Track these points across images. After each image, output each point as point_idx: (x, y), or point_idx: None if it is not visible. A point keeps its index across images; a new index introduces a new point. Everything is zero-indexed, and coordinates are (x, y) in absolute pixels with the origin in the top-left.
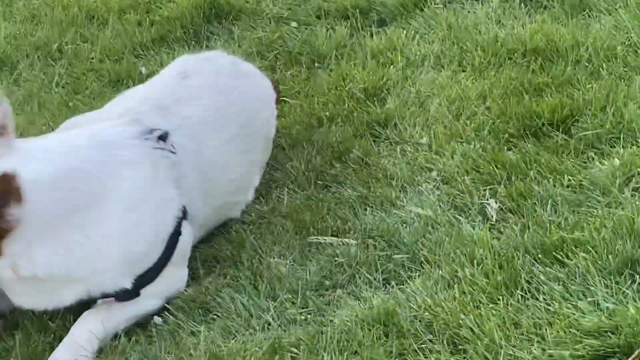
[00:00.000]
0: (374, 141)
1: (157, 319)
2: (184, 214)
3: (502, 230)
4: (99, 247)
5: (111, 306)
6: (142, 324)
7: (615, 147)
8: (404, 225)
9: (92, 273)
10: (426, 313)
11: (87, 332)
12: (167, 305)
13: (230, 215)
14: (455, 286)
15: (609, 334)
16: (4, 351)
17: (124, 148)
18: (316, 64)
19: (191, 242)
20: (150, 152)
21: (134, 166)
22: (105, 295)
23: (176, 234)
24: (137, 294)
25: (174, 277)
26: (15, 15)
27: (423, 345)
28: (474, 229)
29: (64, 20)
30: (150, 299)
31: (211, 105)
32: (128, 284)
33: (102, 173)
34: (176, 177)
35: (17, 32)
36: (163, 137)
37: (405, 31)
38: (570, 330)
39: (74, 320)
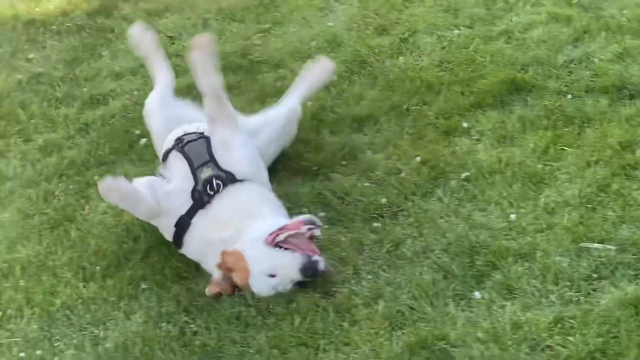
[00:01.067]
0: None
1: (477, 294)
2: None
3: None
4: None
5: None
6: (464, 298)
7: None
8: None
9: None
10: None
11: None
12: (479, 292)
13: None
14: None
15: None
16: None
17: None
18: (585, 124)
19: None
20: None
21: None
22: None
23: None
24: None
25: None
26: (377, 83)
27: None
28: None
29: (410, 90)
30: None
31: None
32: None
33: None
34: None
35: (379, 97)
36: None
37: None
38: None
39: None
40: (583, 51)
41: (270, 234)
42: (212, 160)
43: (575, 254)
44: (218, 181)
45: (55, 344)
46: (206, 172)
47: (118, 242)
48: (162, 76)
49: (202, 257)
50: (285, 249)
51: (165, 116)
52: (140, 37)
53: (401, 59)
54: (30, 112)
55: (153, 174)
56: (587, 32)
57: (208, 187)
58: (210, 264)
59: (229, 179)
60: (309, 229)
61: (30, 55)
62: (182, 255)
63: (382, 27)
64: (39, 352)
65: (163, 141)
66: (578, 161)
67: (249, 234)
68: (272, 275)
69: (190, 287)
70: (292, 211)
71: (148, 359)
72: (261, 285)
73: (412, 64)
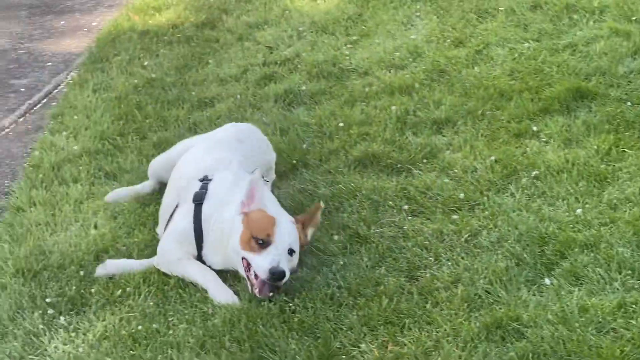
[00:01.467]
0: None
1: (547, 281)
2: None
3: None
4: None
5: None
6: (535, 284)
7: None
8: None
9: None
10: None
11: None
12: (549, 279)
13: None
14: None
15: None
16: None
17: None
18: None
19: None
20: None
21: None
22: None
23: None
24: None
25: None
26: (454, 90)
27: None
28: None
29: (484, 96)
30: None
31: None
32: None
33: None
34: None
35: (456, 102)
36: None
37: None
38: None
39: None
40: None
41: None
42: None
43: (636, 246)
44: None
45: (170, 319)
46: None
47: None
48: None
49: None
50: None
51: None
52: None
53: (476, 68)
54: (145, 112)
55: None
56: None
57: None
58: None
59: None
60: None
61: (145, 62)
62: None
63: (459, 40)
64: (155, 325)
65: None
66: (638, 162)
67: None
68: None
69: None
70: (378, 204)
71: (252, 333)
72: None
73: (486, 73)
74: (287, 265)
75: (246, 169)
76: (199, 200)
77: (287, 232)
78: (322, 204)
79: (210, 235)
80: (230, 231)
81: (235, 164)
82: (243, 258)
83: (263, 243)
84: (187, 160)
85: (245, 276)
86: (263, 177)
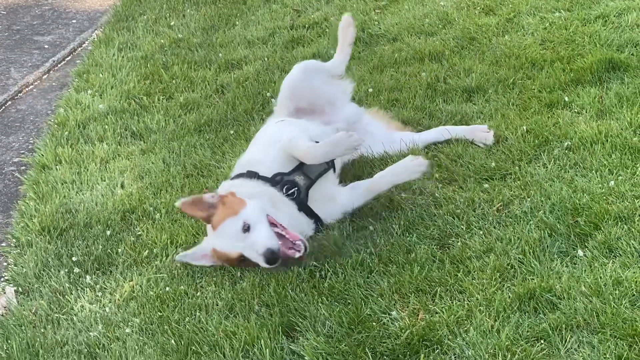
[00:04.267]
0: None
1: (580, 252)
2: None
3: None
4: None
5: None
6: (568, 255)
7: None
8: None
9: None
10: None
11: None
12: (582, 251)
13: None
14: None
15: None
16: None
17: None
18: None
19: None
20: None
21: None
22: None
23: None
24: None
25: None
26: (485, 58)
27: None
28: None
29: (515, 65)
30: None
31: None
32: None
33: None
34: None
35: (487, 71)
36: None
37: None
38: None
39: None
40: None
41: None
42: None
43: None
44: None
45: (198, 281)
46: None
47: None
48: (337, 60)
49: None
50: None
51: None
52: (346, 27)
53: (506, 37)
54: (172, 73)
55: None
56: None
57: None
58: None
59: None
60: (294, 247)
61: (172, 22)
62: None
63: (489, 8)
64: (182, 287)
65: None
66: None
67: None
68: (246, 230)
69: (318, 235)
70: None
71: (281, 297)
72: (227, 231)
73: (516, 41)
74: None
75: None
76: None
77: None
78: None
79: None
80: None
81: None
82: None
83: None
84: None
85: None
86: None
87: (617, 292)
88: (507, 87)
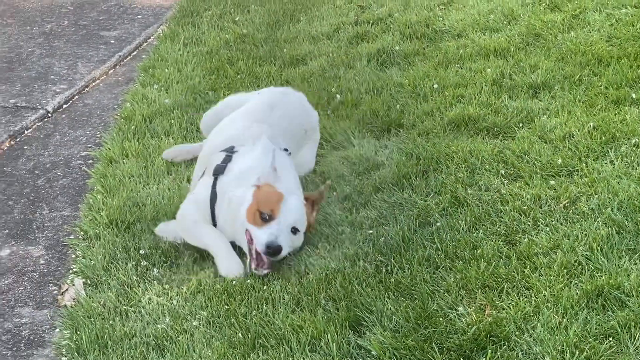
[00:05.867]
0: None
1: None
2: None
3: None
4: None
5: None
6: (637, 252)
7: None
8: None
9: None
10: None
11: None
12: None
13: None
14: None
15: None
16: None
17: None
18: None
19: None
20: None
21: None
22: None
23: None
24: None
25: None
26: (550, 54)
27: None
28: None
29: (581, 62)
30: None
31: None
32: None
33: None
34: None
35: (553, 67)
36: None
37: None
38: None
39: None
40: None
41: None
42: None
43: None
44: None
45: (265, 277)
46: None
47: (315, 188)
48: None
49: None
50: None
51: None
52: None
53: (572, 33)
54: (237, 68)
55: (350, 126)
56: None
57: None
58: None
59: None
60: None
61: (236, 18)
62: (375, 201)
63: (555, 4)
64: (249, 281)
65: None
66: None
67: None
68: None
69: (384, 231)
70: (475, 167)
71: (347, 292)
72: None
73: (582, 38)
74: (287, 242)
75: (276, 135)
76: (218, 173)
77: (292, 210)
78: (329, 182)
79: (223, 207)
80: (240, 203)
81: (264, 138)
82: (247, 230)
83: (267, 218)
84: (219, 127)
85: (246, 250)
86: (287, 150)
87: None
88: (573, 84)
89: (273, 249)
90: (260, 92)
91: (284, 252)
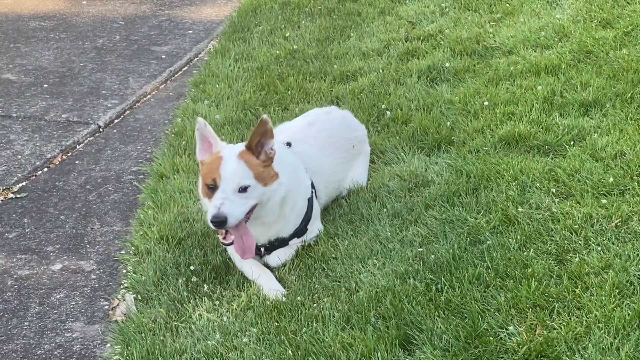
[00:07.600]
0: None
1: None
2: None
3: None
4: None
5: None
6: None
7: None
8: None
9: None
10: None
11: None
12: None
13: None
14: None
15: None
16: None
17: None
18: None
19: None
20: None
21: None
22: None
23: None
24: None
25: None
26: (602, 72)
27: None
28: None
29: (633, 79)
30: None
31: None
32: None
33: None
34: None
35: (604, 84)
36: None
37: None
38: None
39: None
40: None
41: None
42: None
43: None
44: None
45: (314, 292)
46: None
47: (365, 203)
48: None
49: None
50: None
51: None
52: None
53: (624, 50)
54: (287, 83)
55: (400, 142)
56: None
57: None
58: None
59: None
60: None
61: (287, 34)
62: (426, 218)
63: (606, 21)
64: (299, 298)
65: None
66: None
67: None
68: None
69: (435, 248)
70: (525, 185)
71: (397, 310)
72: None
73: (635, 55)
74: (236, 206)
75: (315, 149)
76: None
77: (231, 171)
78: (264, 116)
79: None
80: None
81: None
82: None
83: (213, 188)
84: None
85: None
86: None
87: None
88: (625, 102)
89: (218, 222)
90: (305, 115)
91: (233, 220)
